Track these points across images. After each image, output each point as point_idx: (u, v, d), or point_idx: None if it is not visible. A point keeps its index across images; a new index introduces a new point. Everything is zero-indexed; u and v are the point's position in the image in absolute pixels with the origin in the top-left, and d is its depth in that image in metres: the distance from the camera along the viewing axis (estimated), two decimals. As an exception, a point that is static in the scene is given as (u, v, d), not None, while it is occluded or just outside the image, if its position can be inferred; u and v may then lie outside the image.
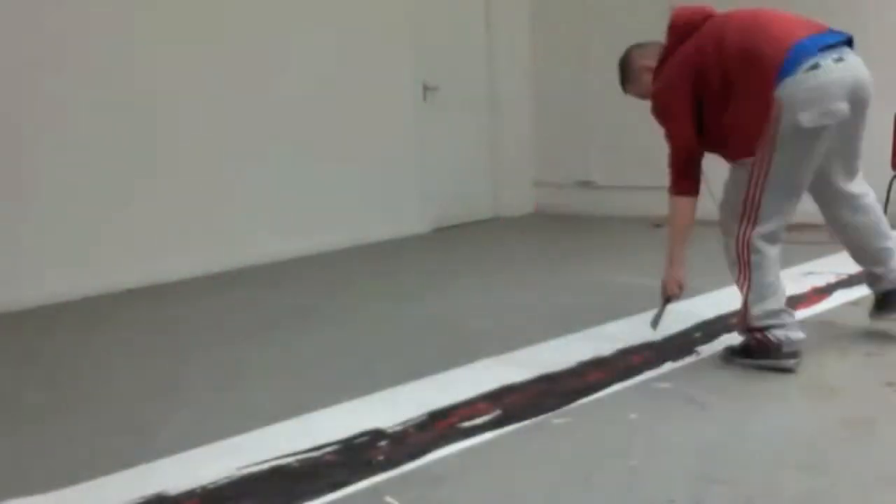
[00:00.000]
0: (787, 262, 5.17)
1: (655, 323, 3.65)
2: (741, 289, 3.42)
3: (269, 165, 6.04)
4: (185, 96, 5.55)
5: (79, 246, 5.09)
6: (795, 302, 4.28)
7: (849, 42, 3.46)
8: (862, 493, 2.33)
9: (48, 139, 4.98)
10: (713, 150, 3.42)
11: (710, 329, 3.88)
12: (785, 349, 3.26)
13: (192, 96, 5.58)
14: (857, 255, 3.62)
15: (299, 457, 2.68)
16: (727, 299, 4.38)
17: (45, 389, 3.51)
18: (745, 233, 3.37)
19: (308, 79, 6.22)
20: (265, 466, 2.62)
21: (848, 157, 3.51)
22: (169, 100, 5.46)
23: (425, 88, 7.07)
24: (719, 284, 4.64)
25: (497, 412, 2.98)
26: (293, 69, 6.13)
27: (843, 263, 5.12)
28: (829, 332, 3.81)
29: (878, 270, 3.55)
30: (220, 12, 5.72)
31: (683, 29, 3.44)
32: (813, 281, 4.71)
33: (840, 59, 3.31)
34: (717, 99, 3.31)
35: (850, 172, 3.54)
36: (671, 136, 3.46)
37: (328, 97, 6.35)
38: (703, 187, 3.51)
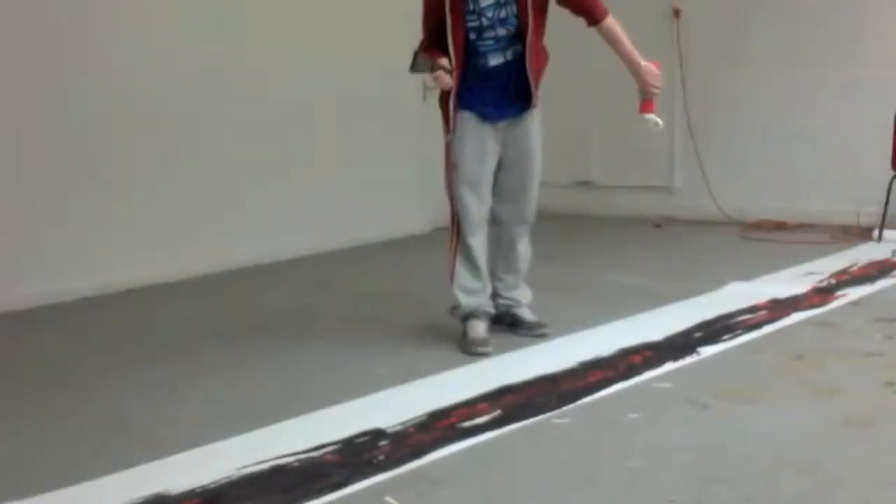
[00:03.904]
0: (787, 262, 5.19)
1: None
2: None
3: (269, 165, 6.03)
4: (185, 97, 5.54)
5: (78, 246, 5.08)
6: (796, 302, 4.29)
7: None
8: (862, 493, 2.33)
9: (48, 139, 4.98)
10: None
11: (711, 329, 3.88)
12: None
13: (191, 97, 5.58)
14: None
15: (299, 457, 2.68)
16: (727, 299, 4.38)
17: (45, 389, 3.51)
18: None
19: (308, 78, 6.21)
20: (265, 466, 2.62)
21: None
22: (168, 100, 5.45)
23: (425, 88, 7.06)
24: (719, 285, 4.65)
25: (497, 412, 2.98)
26: (293, 69, 6.12)
27: (842, 263, 5.14)
28: (829, 332, 3.81)
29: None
30: (220, 13, 5.71)
31: None
32: (813, 281, 4.70)
33: None
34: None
35: None
36: None
37: (328, 97, 6.34)
38: None
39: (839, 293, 4.43)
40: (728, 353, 3.57)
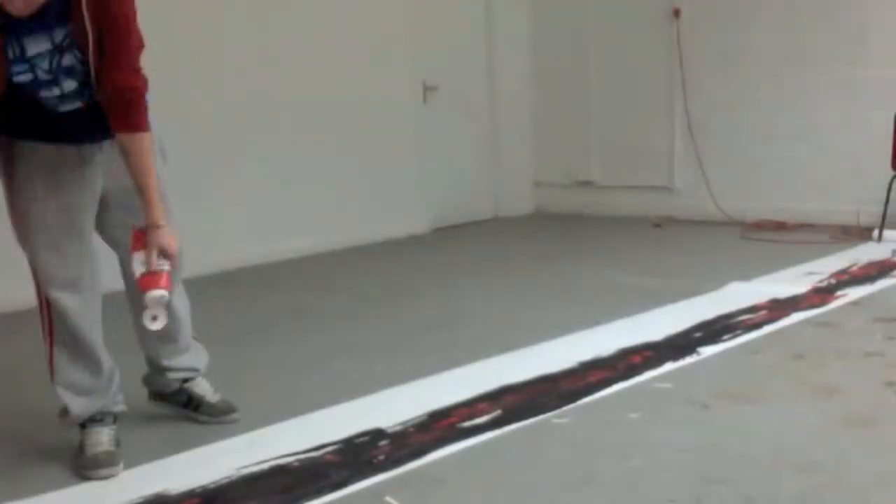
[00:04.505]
0: (788, 262, 5.19)
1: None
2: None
3: (269, 165, 6.03)
4: (184, 95, 5.54)
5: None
6: (796, 302, 4.29)
7: None
8: (862, 493, 2.33)
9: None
10: None
11: (711, 329, 3.88)
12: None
13: (190, 95, 5.58)
14: None
15: (299, 457, 2.68)
16: (727, 299, 4.38)
17: (46, 390, 3.50)
18: None
19: (308, 78, 6.21)
20: (265, 466, 2.62)
21: None
22: (168, 99, 5.45)
23: (425, 88, 7.06)
24: (719, 285, 4.65)
25: (497, 412, 2.98)
26: (293, 69, 6.12)
27: (842, 263, 5.14)
28: (829, 332, 3.81)
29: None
30: (220, 13, 5.71)
31: None
32: (813, 281, 4.70)
33: None
34: None
35: None
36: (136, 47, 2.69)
37: (328, 97, 6.34)
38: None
39: (839, 293, 4.43)
40: (728, 353, 3.57)
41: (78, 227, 2.71)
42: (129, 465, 2.66)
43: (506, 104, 7.73)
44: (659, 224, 6.90)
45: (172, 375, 3.00)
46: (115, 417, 2.80)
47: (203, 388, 3.04)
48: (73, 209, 2.68)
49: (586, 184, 7.64)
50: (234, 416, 3.01)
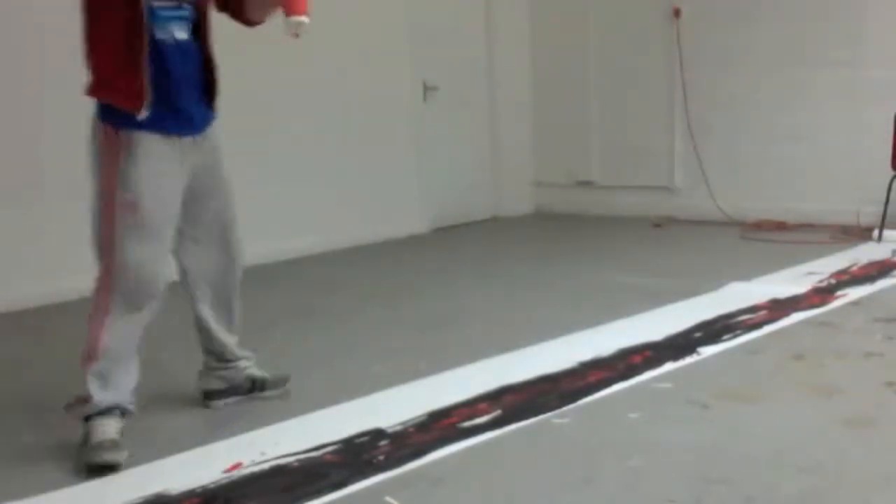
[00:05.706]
0: (788, 262, 5.20)
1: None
2: None
3: (269, 165, 6.03)
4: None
5: (76, 246, 5.08)
6: (796, 302, 4.29)
7: None
8: (862, 493, 2.33)
9: (52, 138, 4.98)
10: None
11: (711, 329, 3.88)
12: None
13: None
14: None
15: (299, 457, 2.68)
16: (727, 299, 4.39)
17: (48, 390, 3.51)
18: None
19: (308, 78, 6.21)
20: (265, 466, 2.62)
21: None
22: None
23: (425, 88, 7.07)
24: (719, 285, 4.65)
25: (497, 412, 2.98)
26: (293, 69, 6.12)
27: (842, 263, 5.15)
28: (829, 332, 3.81)
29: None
30: (219, 12, 5.71)
31: None
32: (813, 281, 4.71)
33: None
34: None
35: None
36: None
37: (328, 97, 6.34)
38: None
39: (839, 293, 4.43)
40: (728, 353, 3.57)
41: (171, 225, 2.87)
42: (129, 465, 2.66)
43: (506, 104, 7.73)
44: (659, 224, 6.91)
45: (244, 363, 3.21)
46: (124, 413, 2.82)
47: (258, 370, 3.23)
48: (170, 205, 2.82)
49: (586, 184, 7.64)
50: (289, 383, 3.25)
